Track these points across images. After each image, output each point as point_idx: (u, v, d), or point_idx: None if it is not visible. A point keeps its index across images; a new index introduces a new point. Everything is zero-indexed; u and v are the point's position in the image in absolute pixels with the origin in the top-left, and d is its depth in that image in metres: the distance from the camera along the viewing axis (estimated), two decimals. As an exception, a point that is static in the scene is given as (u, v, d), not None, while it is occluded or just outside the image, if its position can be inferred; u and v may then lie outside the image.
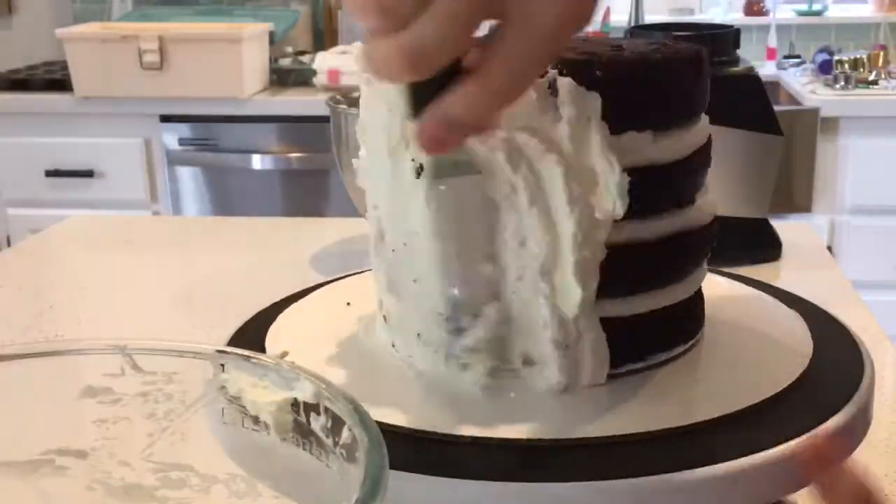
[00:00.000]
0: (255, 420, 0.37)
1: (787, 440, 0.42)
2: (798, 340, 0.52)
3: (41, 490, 0.40)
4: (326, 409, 0.34)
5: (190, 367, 0.40)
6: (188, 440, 0.41)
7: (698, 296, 0.52)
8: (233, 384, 0.38)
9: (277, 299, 0.60)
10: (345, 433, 0.33)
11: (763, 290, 0.59)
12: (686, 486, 0.40)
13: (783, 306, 0.56)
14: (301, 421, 0.36)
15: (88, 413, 0.41)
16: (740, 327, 0.54)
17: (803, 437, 0.42)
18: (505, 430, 0.43)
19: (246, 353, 0.39)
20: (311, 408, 0.35)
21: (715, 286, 0.55)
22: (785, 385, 0.47)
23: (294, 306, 0.58)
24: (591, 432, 0.42)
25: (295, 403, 0.36)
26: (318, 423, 0.35)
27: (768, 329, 0.54)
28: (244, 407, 0.38)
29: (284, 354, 0.39)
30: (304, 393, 0.36)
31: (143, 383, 0.40)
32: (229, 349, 0.39)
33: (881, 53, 2.50)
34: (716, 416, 0.44)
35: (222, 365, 0.39)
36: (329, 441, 0.34)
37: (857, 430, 0.45)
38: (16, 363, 0.40)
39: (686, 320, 0.51)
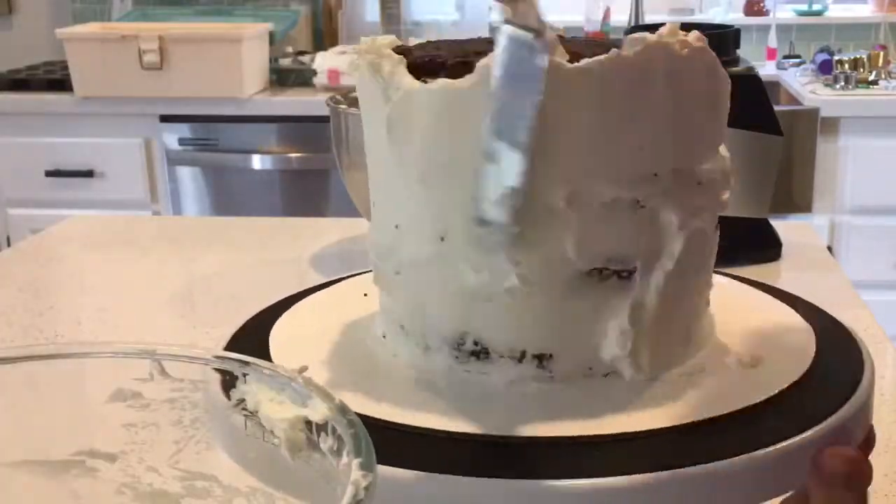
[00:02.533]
0: (273, 434, 0.37)
1: (785, 439, 0.42)
2: (801, 340, 0.52)
3: (73, 491, 0.41)
4: (334, 430, 0.34)
5: (215, 375, 0.40)
6: (213, 449, 0.41)
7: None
8: (252, 397, 0.38)
9: (277, 299, 0.60)
10: (343, 458, 0.33)
11: (762, 291, 0.59)
12: (683, 484, 0.40)
13: (785, 306, 0.56)
14: (313, 440, 0.35)
15: (118, 416, 0.41)
16: (743, 327, 0.54)
17: (804, 435, 0.42)
18: (500, 426, 0.43)
19: (267, 364, 0.38)
20: (321, 428, 0.35)
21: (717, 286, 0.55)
22: (784, 385, 0.47)
23: (296, 307, 0.58)
24: (585, 430, 0.42)
25: (307, 422, 0.36)
26: (325, 444, 0.35)
27: (770, 328, 0.54)
28: (260, 421, 0.38)
29: (304, 369, 0.39)
30: (316, 412, 0.35)
31: (171, 389, 0.40)
32: (252, 359, 0.39)
33: (881, 53, 2.50)
34: (713, 415, 0.44)
35: (244, 375, 0.38)
36: (334, 463, 0.34)
37: (857, 430, 0.45)
38: (47, 363, 0.40)
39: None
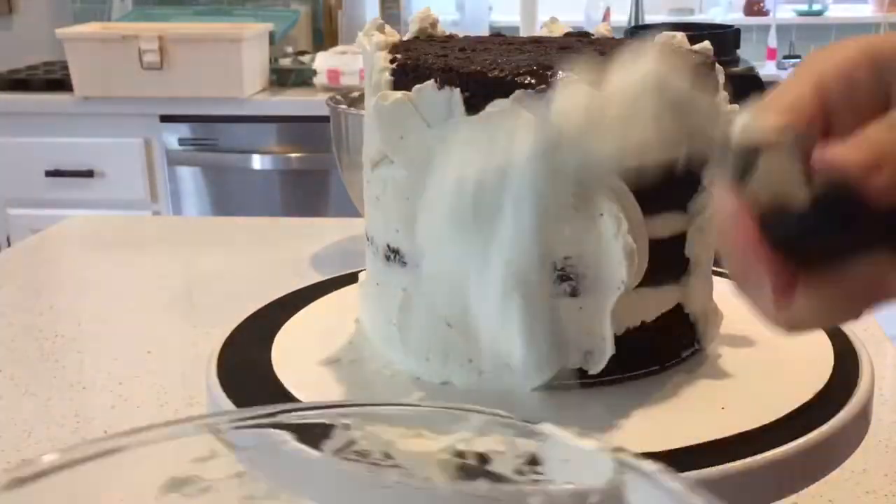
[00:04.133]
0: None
1: (786, 441, 0.42)
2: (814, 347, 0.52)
3: None
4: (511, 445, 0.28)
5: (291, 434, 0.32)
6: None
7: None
8: (373, 440, 0.31)
9: (276, 299, 0.60)
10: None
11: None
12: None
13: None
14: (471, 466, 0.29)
15: None
16: (745, 334, 0.54)
17: (804, 438, 0.42)
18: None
19: (371, 402, 0.32)
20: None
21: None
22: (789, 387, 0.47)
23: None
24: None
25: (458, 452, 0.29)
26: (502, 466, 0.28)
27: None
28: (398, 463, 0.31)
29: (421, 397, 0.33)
30: (473, 432, 0.29)
31: (239, 461, 0.33)
32: (360, 402, 0.32)
33: (881, 53, 2.50)
34: (712, 414, 0.44)
35: (346, 424, 0.31)
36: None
37: (856, 430, 0.45)
38: (81, 469, 0.30)
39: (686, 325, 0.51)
